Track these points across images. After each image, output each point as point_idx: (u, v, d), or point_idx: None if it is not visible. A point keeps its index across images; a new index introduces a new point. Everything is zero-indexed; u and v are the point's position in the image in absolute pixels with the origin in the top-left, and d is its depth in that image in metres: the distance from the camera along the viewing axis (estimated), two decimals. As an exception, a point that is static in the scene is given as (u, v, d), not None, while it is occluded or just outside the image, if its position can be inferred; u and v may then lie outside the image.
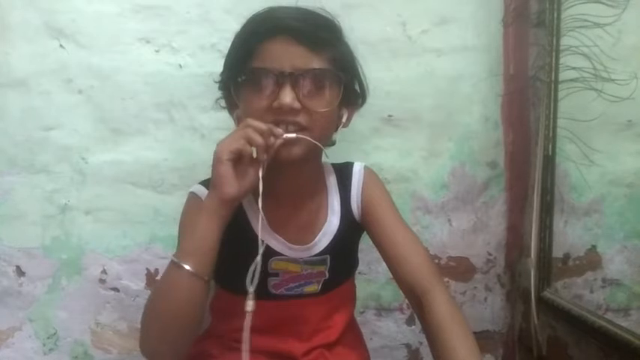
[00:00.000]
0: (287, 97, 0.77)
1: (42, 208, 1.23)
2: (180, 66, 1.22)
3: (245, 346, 0.77)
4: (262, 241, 0.79)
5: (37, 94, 1.20)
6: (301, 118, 0.80)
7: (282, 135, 0.78)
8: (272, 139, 0.77)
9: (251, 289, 0.76)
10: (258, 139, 0.76)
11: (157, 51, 1.22)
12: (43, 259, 1.24)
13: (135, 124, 1.23)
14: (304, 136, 0.80)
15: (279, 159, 0.80)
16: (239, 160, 0.77)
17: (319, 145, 0.82)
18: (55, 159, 1.22)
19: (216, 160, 0.77)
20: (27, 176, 1.22)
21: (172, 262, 0.77)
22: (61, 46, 1.20)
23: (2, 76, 1.19)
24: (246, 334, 0.76)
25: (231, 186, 0.76)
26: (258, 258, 0.77)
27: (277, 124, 0.79)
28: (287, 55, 0.79)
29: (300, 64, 0.79)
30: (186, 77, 1.22)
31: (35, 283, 1.24)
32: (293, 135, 0.79)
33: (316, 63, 0.80)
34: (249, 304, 0.76)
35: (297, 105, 0.78)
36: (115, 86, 1.21)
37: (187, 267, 0.75)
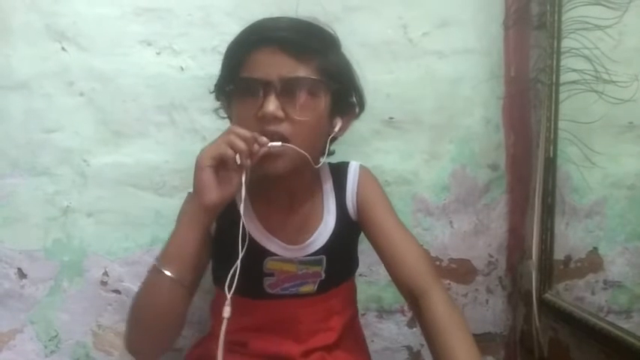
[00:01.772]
0: (270, 105, 0.77)
1: (43, 211, 1.23)
2: (182, 68, 1.23)
3: (220, 352, 0.76)
4: (242, 247, 0.78)
5: (39, 96, 1.20)
6: (284, 128, 0.79)
7: (268, 143, 0.77)
8: (256, 146, 0.76)
9: (229, 295, 0.77)
10: (241, 145, 0.75)
11: (158, 53, 1.22)
12: (44, 261, 1.24)
13: (136, 127, 1.23)
14: (290, 145, 0.79)
15: (265, 172, 0.80)
16: (222, 166, 0.77)
17: (304, 153, 0.80)
18: (57, 161, 1.22)
19: (197, 167, 0.77)
20: (28, 178, 1.22)
21: (154, 267, 0.79)
22: (62, 48, 1.20)
23: (4, 78, 1.19)
24: (221, 343, 0.76)
25: (212, 193, 0.76)
26: (238, 262, 0.77)
27: (263, 135, 0.78)
28: (273, 65, 0.79)
29: (285, 73, 0.78)
30: (187, 80, 1.22)
31: (37, 285, 1.25)
32: (278, 143, 0.78)
33: (302, 72, 0.80)
34: (226, 310, 0.77)
35: (280, 114, 0.78)
36: (117, 89, 1.22)
37: (168, 273, 0.77)
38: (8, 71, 1.19)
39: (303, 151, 0.80)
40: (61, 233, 1.24)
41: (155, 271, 0.78)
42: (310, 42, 0.81)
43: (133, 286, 1.26)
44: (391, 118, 1.27)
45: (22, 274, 1.24)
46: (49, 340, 1.26)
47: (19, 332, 1.25)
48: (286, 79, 0.78)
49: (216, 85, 0.89)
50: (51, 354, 1.26)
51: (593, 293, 1.22)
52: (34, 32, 1.19)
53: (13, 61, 1.19)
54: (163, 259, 0.79)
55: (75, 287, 1.25)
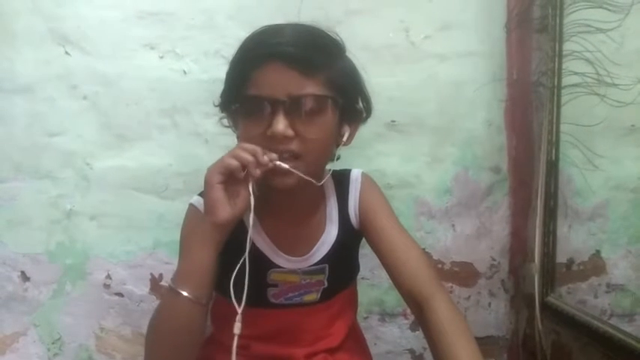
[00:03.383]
0: (280, 124, 0.76)
1: (47, 214, 1.23)
2: (184, 72, 1.23)
3: None
4: (246, 259, 0.78)
5: (42, 100, 1.21)
6: (295, 146, 0.78)
7: (277, 160, 0.77)
8: (265, 158, 0.76)
9: (239, 310, 0.77)
10: (248, 157, 0.75)
11: (161, 57, 1.23)
12: (47, 264, 1.24)
13: (139, 130, 1.24)
14: (295, 172, 0.78)
15: (274, 188, 0.80)
16: (230, 181, 0.77)
17: (312, 180, 0.80)
18: (60, 164, 1.23)
19: (207, 185, 0.76)
20: (32, 182, 1.23)
21: (170, 288, 0.78)
22: (66, 52, 1.21)
23: (8, 82, 1.20)
24: (233, 356, 0.77)
25: (224, 210, 0.76)
26: (246, 283, 0.77)
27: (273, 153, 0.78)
28: (280, 82, 0.77)
29: (293, 91, 0.77)
30: (190, 83, 1.23)
31: (40, 289, 1.25)
32: (285, 166, 0.77)
33: (311, 88, 0.78)
34: (237, 327, 0.77)
35: (290, 133, 0.77)
36: (120, 92, 1.22)
37: (185, 293, 0.76)
38: (11, 75, 1.20)
39: (309, 178, 0.80)
40: (64, 236, 1.24)
41: (172, 293, 0.77)
42: (316, 56, 0.79)
43: (136, 289, 1.26)
44: (393, 121, 1.27)
45: (25, 277, 1.25)
46: (52, 343, 1.26)
47: (22, 335, 1.26)
48: (294, 96, 0.77)
49: (220, 104, 0.88)
50: (54, 357, 1.27)
51: (595, 296, 1.22)
52: (38, 36, 1.20)
53: (17, 65, 1.20)
54: (179, 279, 0.78)
55: (78, 290, 1.26)
